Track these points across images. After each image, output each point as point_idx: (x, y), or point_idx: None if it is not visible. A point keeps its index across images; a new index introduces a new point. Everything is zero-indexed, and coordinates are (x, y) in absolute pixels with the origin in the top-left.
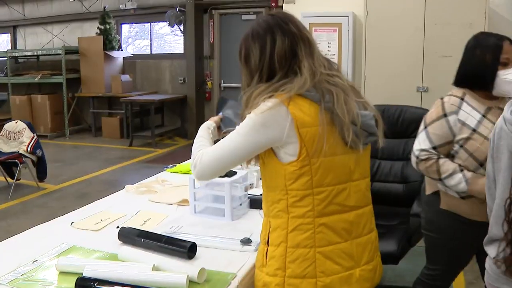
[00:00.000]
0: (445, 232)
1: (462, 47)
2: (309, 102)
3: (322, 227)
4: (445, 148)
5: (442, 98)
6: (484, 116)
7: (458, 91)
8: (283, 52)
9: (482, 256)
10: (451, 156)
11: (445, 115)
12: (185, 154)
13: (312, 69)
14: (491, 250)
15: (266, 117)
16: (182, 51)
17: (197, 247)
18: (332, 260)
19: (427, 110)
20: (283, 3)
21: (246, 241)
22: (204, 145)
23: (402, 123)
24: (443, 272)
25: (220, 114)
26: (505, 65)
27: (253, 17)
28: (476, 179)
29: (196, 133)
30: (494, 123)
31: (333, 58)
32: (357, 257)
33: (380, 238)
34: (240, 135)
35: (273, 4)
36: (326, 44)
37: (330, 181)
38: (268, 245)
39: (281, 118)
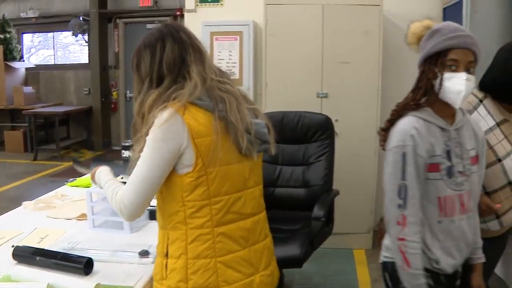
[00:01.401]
0: None
1: (359, 53)
2: (203, 111)
3: (221, 237)
4: None
5: None
6: (498, 125)
7: (480, 93)
8: (172, 58)
9: None
10: None
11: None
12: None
13: (202, 74)
14: None
15: (164, 131)
16: (87, 61)
17: (94, 262)
18: (233, 268)
19: (325, 116)
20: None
21: (144, 253)
22: (117, 186)
23: (301, 129)
24: None
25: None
26: None
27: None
28: None
29: (103, 145)
30: (505, 136)
31: (235, 66)
32: (256, 264)
33: (284, 243)
34: (147, 158)
35: (178, 13)
36: (227, 52)
37: (226, 190)
38: (167, 258)
39: (178, 128)
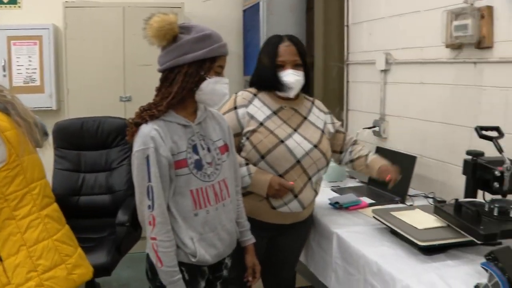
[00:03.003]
0: None
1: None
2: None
3: (48, 218)
4: (235, 140)
5: (236, 93)
6: (275, 113)
7: (254, 89)
8: None
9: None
10: (239, 149)
11: (235, 108)
12: None
13: None
14: None
15: None
16: None
17: None
18: (66, 243)
19: (124, 120)
20: None
21: None
22: None
23: (101, 134)
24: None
25: None
26: (282, 67)
27: None
28: (258, 175)
29: None
30: (284, 121)
31: (35, 73)
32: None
33: (90, 251)
34: None
35: None
36: (26, 58)
37: (37, 176)
38: (2, 261)
39: None
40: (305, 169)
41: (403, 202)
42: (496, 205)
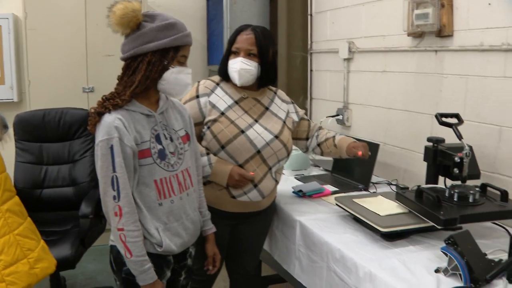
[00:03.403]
0: None
1: None
2: None
3: (9, 213)
4: (196, 129)
5: (199, 81)
6: (236, 102)
7: (217, 77)
8: None
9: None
10: (200, 138)
11: (197, 96)
12: None
13: None
14: None
15: None
16: None
17: None
18: (28, 237)
19: (86, 111)
20: None
21: None
22: None
23: (63, 126)
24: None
25: None
26: (235, 54)
27: None
28: (219, 165)
29: None
30: (245, 111)
31: None
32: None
33: (54, 245)
34: None
35: None
36: None
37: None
38: None
39: None
40: (265, 160)
41: (366, 189)
42: (456, 190)
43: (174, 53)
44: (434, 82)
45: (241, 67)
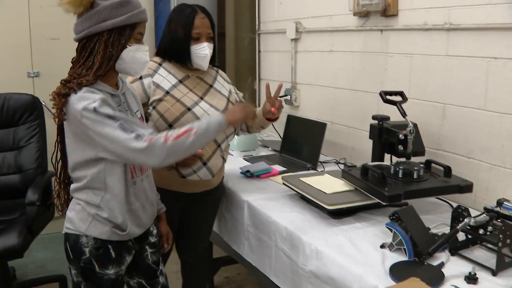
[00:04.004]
0: None
1: (69, 29)
2: None
3: None
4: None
5: None
6: (180, 81)
7: (159, 58)
8: None
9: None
10: (146, 119)
11: (140, 78)
12: None
13: None
14: None
15: None
16: None
17: None
18: None
19: (31, 96)
20: None
21: None
22: None
23: (7, 112)
24: None
25: None
26: (197, 40)
27: None
28: None
29: None
30: (190, 89)
31: None
32: None
33: (0, 234)
34: None
35: None
36: None
37: None
38: None
39: None
40: None
41: (314, 168)
42: (401, 167)
43: (131, 31)
44: (379, 61)
45: (209, 52)
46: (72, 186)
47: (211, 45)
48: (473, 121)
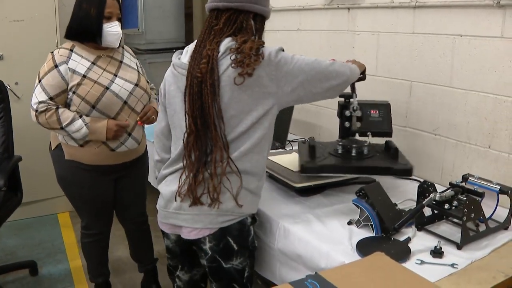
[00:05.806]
0: (76, 182)
1: (33, 11)
2: None
3: None
4: (62, 98)
5: (52, 52)
6: (94, 63)
7: (68, 44)
8: None
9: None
10: (68, 105)
11: (56, 66)
12: None
13: None
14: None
15: None
16: None
17: None
18: None
19: None
20: None
21: None
22: None
23: None
24: (92, 221)
25: None
26: (109, 19)
27: None
28: (94, 123)
29: None
30: (104, 69)
31: None
32: None
33: None
34: None
35: None
36: None
37: None
38: None
39: None
40: (133, 108)
41: (283, 147)
42: (340, 143)
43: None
44: (347, 39)
45: (120, 31)
46: None
47: (120, 25)
48: (439, 98)
